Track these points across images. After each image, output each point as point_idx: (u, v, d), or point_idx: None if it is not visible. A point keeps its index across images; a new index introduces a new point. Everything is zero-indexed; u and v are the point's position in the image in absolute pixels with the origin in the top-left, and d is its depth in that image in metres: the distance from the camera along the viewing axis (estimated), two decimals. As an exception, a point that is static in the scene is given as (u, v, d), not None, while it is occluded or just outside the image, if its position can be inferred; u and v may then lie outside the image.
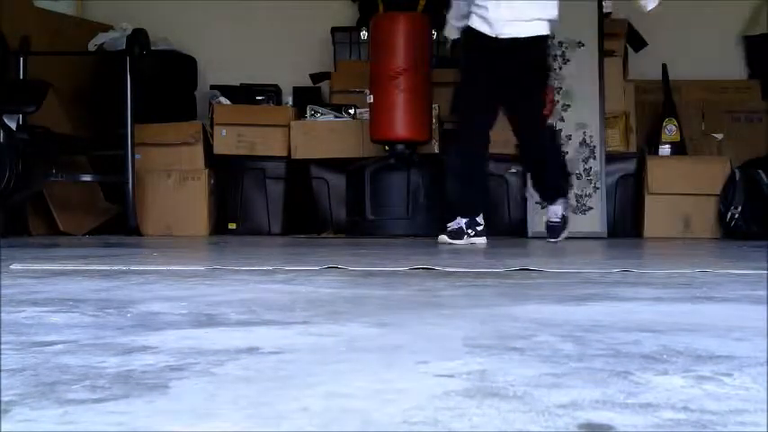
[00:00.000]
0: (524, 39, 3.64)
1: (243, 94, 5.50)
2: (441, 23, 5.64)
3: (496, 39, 3.65)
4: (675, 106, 5.31)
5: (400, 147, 4.67)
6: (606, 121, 4.91)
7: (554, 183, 3.96)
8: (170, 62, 5.50)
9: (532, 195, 4.89)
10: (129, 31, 5.00)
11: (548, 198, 4.00)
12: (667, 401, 0.67)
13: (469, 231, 3.69)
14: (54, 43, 5.12)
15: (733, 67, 5.80)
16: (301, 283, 1.75)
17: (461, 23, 3.78)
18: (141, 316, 1.20)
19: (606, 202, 4.87)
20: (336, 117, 5.17)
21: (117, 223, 5.00)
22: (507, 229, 4.89)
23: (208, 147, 5.19)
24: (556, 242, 3.87)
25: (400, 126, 4.59)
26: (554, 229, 3.93)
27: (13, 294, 1.50)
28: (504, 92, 3.70)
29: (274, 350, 0.91)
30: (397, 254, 2.95)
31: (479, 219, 3.74)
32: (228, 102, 5.35)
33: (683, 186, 4.95)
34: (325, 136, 5.07)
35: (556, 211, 3.93)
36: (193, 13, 6.04)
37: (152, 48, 4.98)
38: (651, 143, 5.27)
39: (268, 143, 5.17)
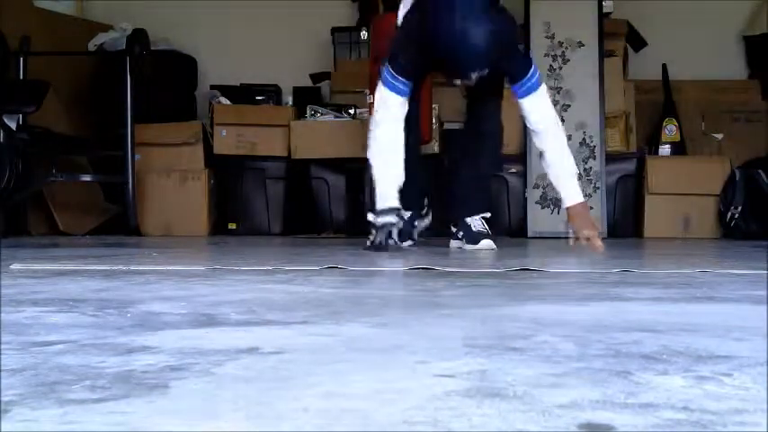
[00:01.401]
0: None
1: (243, 94, 5.50)
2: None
3: None
4: (675, 106, 5.32)
5: (400, 147, 4.66)
6: (606, 121, 4.91)
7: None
8: (170, 62, 5.51)
9: (531, 195, 4.90)
10: (129, 31, 5.01)
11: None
12: (667, 401, 0.67)
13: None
14: (54, 43, 5.13)
15: (733, 67, 5.81)
16: (301, 283, 1.75)
17: None
18: (141, 316, 1.20)
19: (606, 202, 4.88)
20: (336, 117, 5.17)
21: (117, 223, 5.00)
22: (507, 229, 4.89)
23: (208, 147, 5.19)
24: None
25: (400, 126, 4.59)
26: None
27: (13, 294, 1.50)
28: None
29: (274, 350, 0.91)
30: (396, 254, 2.95)
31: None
32: (228, 102, 5.36)
33: (683, 186, 4.96)
34: (325, 136, 5.07)
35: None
36: (193, 13, 6.04)
37: (152, 48, 4.98)
38: (651, 143, 5.28)
39: (268, 143, 5.17)
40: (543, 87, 3.17)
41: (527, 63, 3.15)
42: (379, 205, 3.14)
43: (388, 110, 3.18)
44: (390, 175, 3.18)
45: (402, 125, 3.20)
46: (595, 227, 3.15)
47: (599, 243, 3.04)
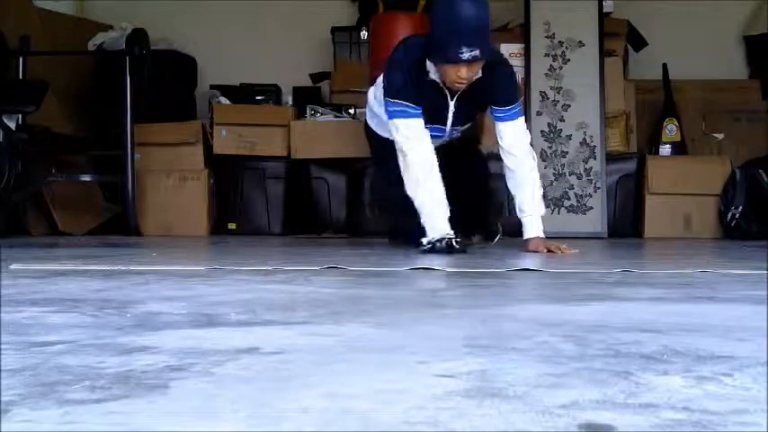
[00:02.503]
0: None
1: (243, 94, 5.50)
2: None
3: None
4: (676, 106, 5.31)
5: (400, 147, 4.66)
6: (606, 120, 4.91)
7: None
8: (170, 62, 5.51)
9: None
10: (129, 31, 5.00)
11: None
12: (668, 402, 0.67)
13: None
14: (54, 43, 5.13)
15: (733, 67, 5.80)
16: (301, 283, 1.75)
17: None
18: (141, 316, 1.20)
19: (606, 202, 4.88)
20: (336, 117, 5.17)
21: (117, 223, 5.00)
22: (507, 229, 4.89)
23: (208, 147, 5.19)
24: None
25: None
26: None
27: (13, 294, 1.50)
28: None
29: (274, 350, 0.91)
30: (396, 254, 2.95)
31: None
32: (228, 102, 5.36)
33: (683, 186, 4.95)
34: (326, 136, 5.07)
35: None
36: (193, 13, 6.04)
37: (152, 48, 4.98)
38: (651, 143, 5.28)
39: (268, 143, 5.17)
40: (521, 120, 3.18)
41: (516, 96, 3.22)
42: (430, 235, 2.99)
43: (408, 132, 3.06)
44: (435, 202, 3.03)
45: (429, 143, 3.09)
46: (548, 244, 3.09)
47: (564, 246, 3.03)
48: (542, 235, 3.14)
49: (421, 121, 3.08)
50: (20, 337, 0.99)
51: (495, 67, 3.10)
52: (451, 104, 3.19)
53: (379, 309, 1.32)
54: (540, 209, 3.19)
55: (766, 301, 1.44)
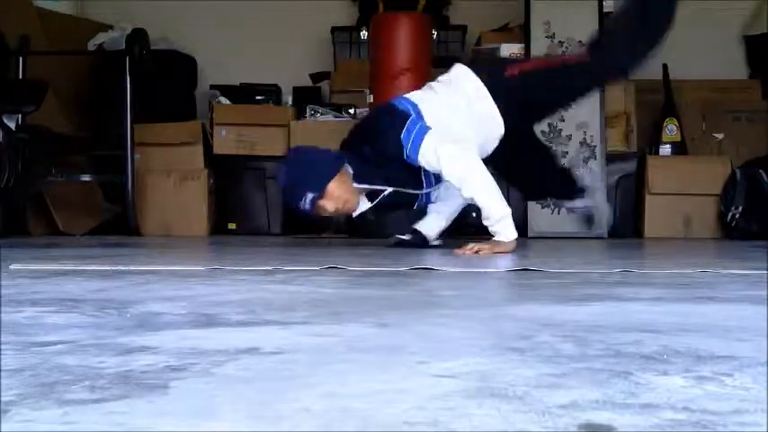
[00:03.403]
0: None
1: (243, 94, 5.51)
2: (441, 23, 5.66)
3: None
4: (676, 106, 5.32)
5: (400, 147, 4.66)
6: (606, 120, 4.91)
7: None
8: (170, 62, 5.51)
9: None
10: (129, 31, 5.01)
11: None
12: (668, 402, 0.67)
13: None
14: (54, 43, 5.13)
15: (733, 67, 5.81)
16: (301, 283, 1.75)
17: None
18: (141, 316, 1.20)
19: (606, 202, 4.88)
20: (336, 117, 5.17)
21: (117, 223, 5.00)
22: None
23: (208, 147, 5.19)
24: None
25: (400, 126, 4.58)
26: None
27: (13, 294, 1.50)
28: None
29: (274, 350, 0.91)
30: (397, 254, 2.95)
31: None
32: (228, 102, 5.36)
33: (683, 186, 4.96)
34: (325, 136, 5.07)
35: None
36: (193, 13, 6.04)
37: (152, 48, 4.98)
38: (651, 143, 5.28)
39: (268, 143, 5.17)
40: (424, 144, 2.92)
41: (393, 136, 2.97)
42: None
43: None
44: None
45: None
46: (492, 250, 2.94)
47: (470, 249, 2.93)
48: (513, 236, 3.00)
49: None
50: (19, 337, 0.99)
51: (370, 136, 3.06)
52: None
53: (379, 309, 1.32)
54: (501, 214, 2.98)
55: (766, 301, 1.44)
